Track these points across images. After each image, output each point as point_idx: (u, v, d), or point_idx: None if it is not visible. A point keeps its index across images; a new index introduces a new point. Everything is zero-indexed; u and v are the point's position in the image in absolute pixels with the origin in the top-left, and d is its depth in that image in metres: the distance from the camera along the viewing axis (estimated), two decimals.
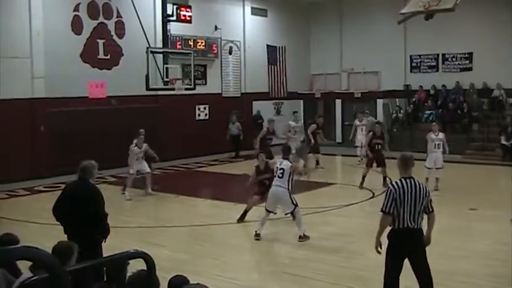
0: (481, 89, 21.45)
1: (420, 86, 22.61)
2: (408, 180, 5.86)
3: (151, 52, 16.14)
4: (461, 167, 17.08)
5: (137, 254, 3.90)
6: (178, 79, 17.07)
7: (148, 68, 15.69)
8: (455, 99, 21.41)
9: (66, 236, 6.22)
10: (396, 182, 5.92)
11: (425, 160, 13.27)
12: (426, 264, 5.89)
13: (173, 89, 16.90)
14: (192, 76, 17.31)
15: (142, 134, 13.54)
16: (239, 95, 22.33)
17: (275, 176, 9.56)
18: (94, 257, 5.11)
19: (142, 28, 16.63)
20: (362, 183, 13.92)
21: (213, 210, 12.26)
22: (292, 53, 24.31)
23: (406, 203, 5.76)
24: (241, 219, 10.64)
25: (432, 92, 22.40)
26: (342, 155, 20.60)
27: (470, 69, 21.98)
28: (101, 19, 17.43)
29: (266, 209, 9.63)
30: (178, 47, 19.13)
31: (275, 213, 9.81)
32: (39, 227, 9.95)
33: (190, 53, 17.51)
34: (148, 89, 16.15)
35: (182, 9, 17.40)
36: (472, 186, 14.27)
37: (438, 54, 22.62)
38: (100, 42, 17.42)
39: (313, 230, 9.70)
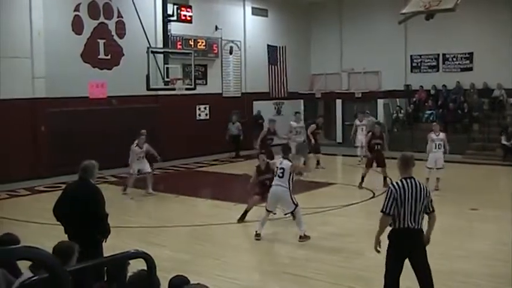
0: (481, 89, 21.45)
1: (421, 86, 22.61)
2: (408, 180, 5.86)
3: (152, 52, 16.13)
4: (461, 167, 17.08)
5: (137, 254, 3.90)
6: (179, 79, 17.06)
7: (149, 68, 15.69)
8: (456, 99, 21.40)
9: (66, 236, 6.22)
10: (396, 182, 5.93)
11: (425, 160, 13.26)
12: (426, 265, 5.89)
13: (173, 89, 16.90)
14: (193, 76, 17.30)
15: (143, 134, 13.56)
16: (239, 95, 22.34)
17: (275, 176, 9.57)
18: (94, 257, 5.11)
19: (143, 28, 16.62)
20: (361, 183, 13.93)
21: (213, 210, 12.26)
22: (292, 53, 24.32)
23: (407, 203, 5.76)
24: (242, 219, 10.65)
25: (432, 92, 22.39)
26: (343, 155, 20.61)
27: (470, 69, 21.98)
28: (101, 19, 17.44)
29: (266, 209, 9.63)
30: (179, 47, 19.14)
31: (274, 214, 9.81)
32: (39, 227, 9.96)
33: (191, 53, 17.50)
34: (148, 89, 16.14)
35: (182, 9, 17.39)
36: (473, 187, 14.27)
37: (438, 54, 22.62)
38: (101, 42, 17.43)
39: (314, 230, 9.70)
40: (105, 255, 6.03)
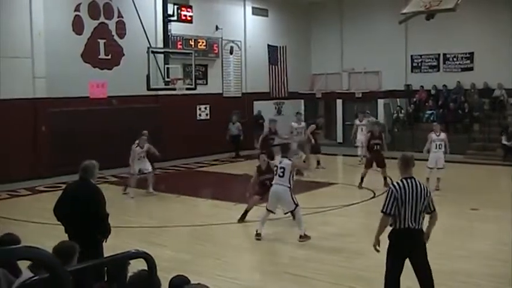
0: (482, 89, 21.44)
1: (421, 86, 22.60)
2: (409, 181, 5.86)
3: (152, 52, 16.14)
4: (462, 167, 17.07)
5: (138, 254, 3.90)
6: (179, 79, 17.07)
7: (149, 68, 15.69)
8: (456, 99, 21.39)
9: (67, 235, 6.23)
10: (397, 183, 5.93)
11: (425, 160, 13.26)
12: (427, 265, 5.90)
13: (174, 89, 16.92)
14: (193, 76, 17.30)
15: (145, 135, 13.57)
16: (240, 95, 22.33)
17: (275, 175, 9.57)
18: (94, 257, 5.11)
19: (143, 28, 16.63)
20: (360, 183, 13.92)
21: (213, 210, 12.27)
22: (293, 53, 24.31)
23: (407, 203, 5.76)
24: (242, 219, 10.65)
25: (433, 92, 22.38)
26: (343, 155, 20.61)
27: (471, 69, 21.97)
28: (102, 19, 17.43)
29: (267, 209, 9.63)
30: (179, 47, 19.13)
31: (274, 213, 9.81)
32: (40, 226, 9.96)
33: (191, 53, 17.51)
34: (149, 89, 16.15)
35: (183, 9, 17.41)
36: (473, 187, 14.26)
37: (439, 54, 22.60)
38: (101, 42, 17.43)
39: (314, 230, 9.71)
40: (105, 255, 6.03)
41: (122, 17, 17.87)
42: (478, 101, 21.08)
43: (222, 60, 21.55)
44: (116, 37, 17.82)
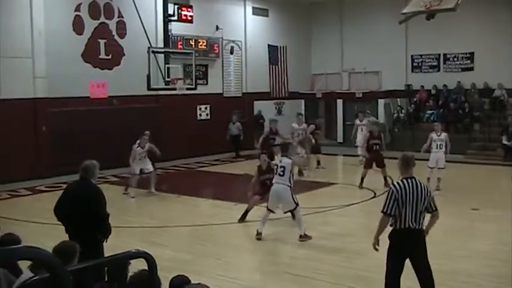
0: (482, 88, 21.45)
1: (422, 86, 22.60)
2: (409, 181, 5.86)
3: (153, 52, 16.14)
4: (462, 167, 17.07)
5: (138, 254, 3.89)
6: (180, 79, 17.07)
7: (150, 68, 15.69)
8: (457, 99, 21.40)
9: (67, 235, 6.22)
10: (397, 183, 5.93)
11: (426, 160, 13.25)
12: (427, 265, 5.90)
13: (174, 89, 16.91)
14: (193, 76, 17.30)
15: (146, 135, 13.56)
16: (240, 95, 22.34)
17: (275, 174, 9.56)
18: (95, 257, 5.11)
19: (144, 28, 16.63)
20: (360, 183, 13.91)
21: (214, 210, 12.27)
22: (293, 53, 24.31)
23: (408, 203, 5.76)
24: (242, 219, 10.65)
25: (433, 91, 22.38)
26: (344, 155, 20.61)
27: (471, 69, 21.97)
28: (102, 19, 17.44)
29: (267, 208, 9.63)
30: (180, 46, 19.14)
31: (274, 213, 9.81)
32: (40, 226, 9.97)
33: (192, 53, 17.51)
34: (149, 89, 16.15)
35: (183, 9, 17.41)
36: (474, 186, 14.26)
37: (439, 54, 22.61)
38: (101, 42, 17.43)
39: (314, 229, 9.70)
40: (106, 255, 6.02)
41: (122, 17, 17.88)
42: (478, 101, 21.08)
43: (223, 60, 21.55)
44: (116, 37, 17.83)
